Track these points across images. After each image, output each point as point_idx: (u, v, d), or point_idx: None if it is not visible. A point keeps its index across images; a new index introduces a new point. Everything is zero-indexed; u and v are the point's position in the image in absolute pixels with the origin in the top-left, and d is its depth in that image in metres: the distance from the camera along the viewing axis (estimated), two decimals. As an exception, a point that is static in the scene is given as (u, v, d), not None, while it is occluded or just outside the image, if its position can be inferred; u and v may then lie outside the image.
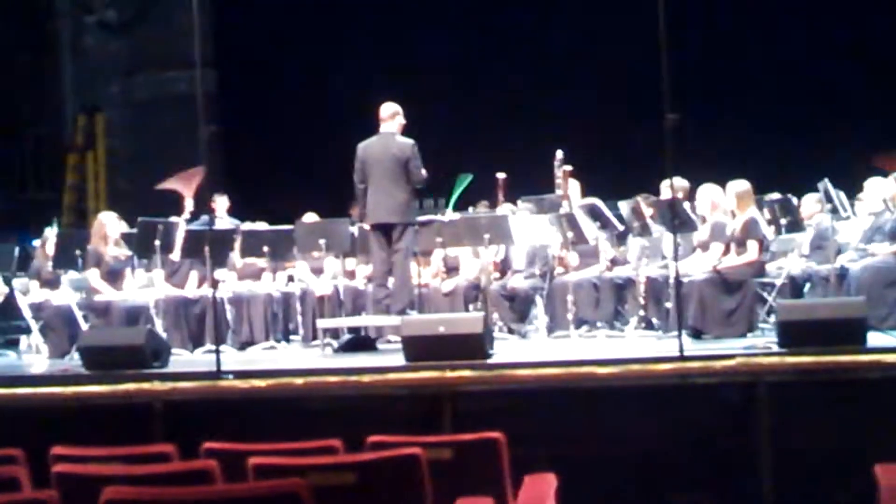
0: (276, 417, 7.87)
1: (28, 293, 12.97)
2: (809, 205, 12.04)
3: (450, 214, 12.65)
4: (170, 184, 12.66)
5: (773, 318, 9.75)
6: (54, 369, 10.76)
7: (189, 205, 12.68)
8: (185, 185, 12.46)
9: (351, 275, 12.87)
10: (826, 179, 11.67)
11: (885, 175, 11.60)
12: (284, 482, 4.12)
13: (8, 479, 4.96)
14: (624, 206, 11.86)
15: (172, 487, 4.43)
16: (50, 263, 12.76)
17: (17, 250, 13.88)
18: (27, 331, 12.90)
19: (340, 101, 15.56)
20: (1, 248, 14.20)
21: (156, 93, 19.62)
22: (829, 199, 11.62)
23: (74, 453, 5.49)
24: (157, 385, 8.47)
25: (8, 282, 13.64)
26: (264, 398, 8.10)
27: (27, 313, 12.70)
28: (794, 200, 12.30)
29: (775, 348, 8.33)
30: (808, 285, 11.42)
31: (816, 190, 11.89)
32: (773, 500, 7.20)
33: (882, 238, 10.89)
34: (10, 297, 13.38)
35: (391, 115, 11.12)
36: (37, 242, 13.68)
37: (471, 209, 13.09)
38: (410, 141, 11.01)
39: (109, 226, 12.17)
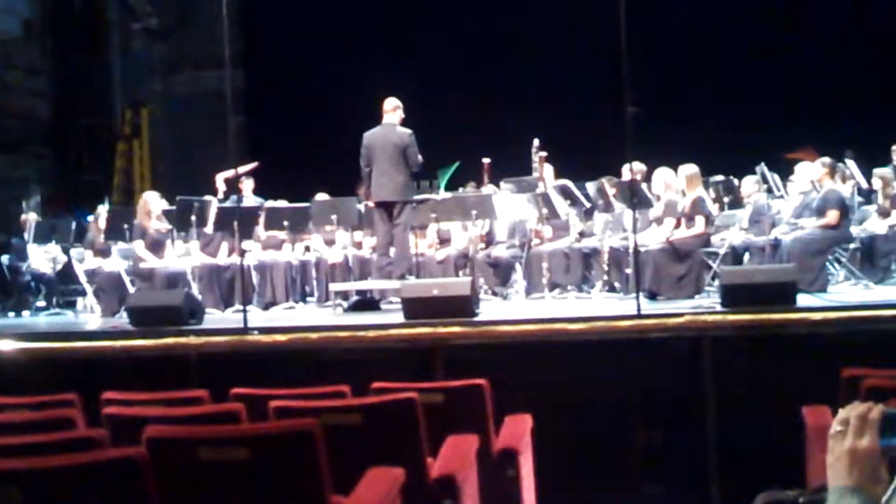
0: (295, 367, 7.85)
1: (83, 261, 12.97)
2: (748, 185, 12.04)
3: (442, 194, 12.64)
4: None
5: (717, 282, 9.74)
6: (106, 326, 10.77)
7: (221, 186, 12.68)
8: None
9: (358, 245, 12.85)
10: (763, 164, 11.65)
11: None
12: (300, 422, 4.11)
13: (65, 420, 4.95)
14: (591, 187, 11.84)
15: (205, 426, 4.42)
16: (102, 236, 12.75)
17: (73, 224, 13.86)
18: (83, 293, 12.91)
19: (347, 96, 15.51)
20: (60, 222, 14.19)
21: (192, 89, 19.60)
22: (765, 180, 11.62)
23: (122, 397, 5.48)
24: (193, 339, 8.45)
25: (66, 251, 13.65)
26: (284, 351, 8.09)
27: (83, 278, 12.71)
28: (735, 181, 12.31)
29: (719, 308, 8.33)
30: (746, 254, 11.43)
31: (754, 172, 11.88)
32: (716, 437, 7.21)
33: (810, 213, 10.89)
34: (68, 265, 13.39)
35: (393, 109, 11.11)
36: (91, 218, 13.66)
37: (460, 189, 13.07)
38: (409, 131, 10.98)
39: (152, 203, 12.16)
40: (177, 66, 20.21)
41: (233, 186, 12.17)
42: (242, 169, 12.65)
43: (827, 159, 11.26)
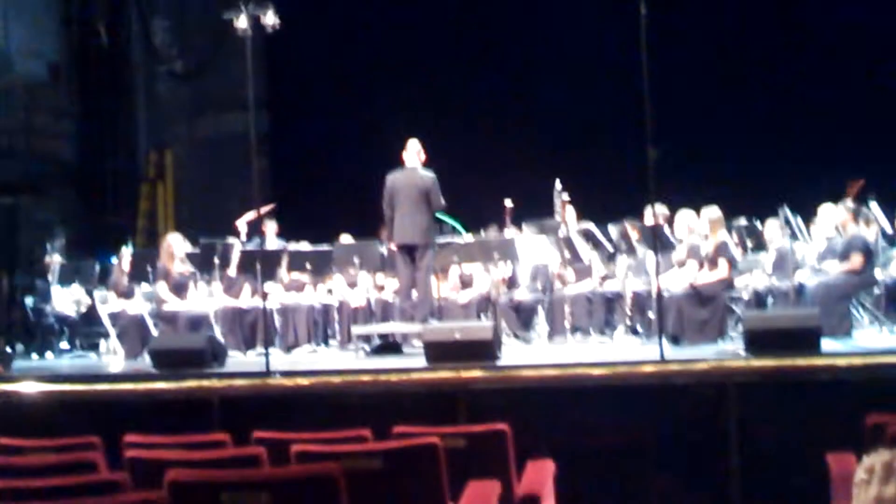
0: (317, 410, 7.85)
1: (106, 303, 13.01)
2: (771, 229, 12.00)
3: (465, 237, 12.66)
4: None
5: (740, 327, 9.70)
6: (128, 369, 10.79)
7: (244, 229, 12.74)
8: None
9: (380, 288, 12.87)
10: (785, 206, 11.64)
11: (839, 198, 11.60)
12: (322, 466, 4.11)
13: (87, 462, 4.96)
14: (613, 230, 11.84)
15: (226, 470, 4.43)
16: (125, 278, 12.79)
17: (97, 266, 13.91)
18: (106, 336, 12.93)
19: (371, 138, 15.58)
20: (83, 264, 14.23)
21: (216, 132, 19.70)
22: (787, 223, 11.59)
23: (144, 440, 5.49)
24: (216, 382, 8.48)
25: (90, 293, 13.69)
26: (306, 394, 8.10)
27: (106, 321, 12.73)
28: (758, 224, 12.28)
29: (742, 353, 8.30)
30: (770, 299, 11.38)
31: (776, 214, 11.86)
32: (740, 484, 7.17)
33: (833, 257, 10.85)
34: (92, 307, 13.42)
35: (414, 151, 11.16)
36: (114, 260, 13.70)
37: (482, 232, 13.08)
38: (433, 175, 11.03)
39: (176, 245, 12.20)
40: (201, 109, 20.35)
41: (255, 228, 12.20)
42: (263, 210, 12.71)
43: (850, 203, 11.22)
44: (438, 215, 11.46)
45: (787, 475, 6.84)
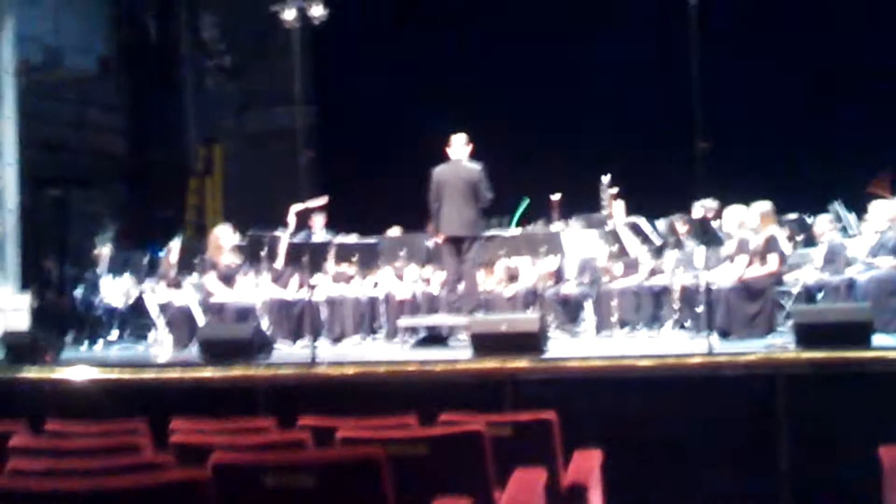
0: (362, 399, 7.83)
1: (155, 294, 13.08)
2: (822, 224, 11.85)
3: (512, 230, 12.62)
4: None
5: (789, 322, 9.58)
6: (176, 358, 10.83)
7: (292, 220, 12.77)
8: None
9: (427, 281, 12.86)
10: (838, 201, 11.49)
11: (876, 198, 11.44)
12: (366, 450, 4.07)
13: (131, 446, 4.96)
14: (661, 224, 11.74)
15: (271, 453, 4.40)
16: (174, 269, 12.86)
17: (146, 258, 13.99)
18: (154, 327, 13.00)
19: (418, 132, 15.55)
20: (133, 256, 14.33)
21: (263, 126, 19.82)
22: (839, 218, 11.44)
23: (189, 426, 5.48)
24: (262, 371, 8.49)
25: (139, 285, 13.77)
26: (351, 383, 8.08)
27: (154, 311, 12.81)
28: (809, 220, 12.15)
29: (792, 347, 8.19)
30: (820, 294, 11.24)
31: (828, 210, 11.72)
32: (790, 478, 7.08)
33: (886, 252, 10.70)
34: (140, 298, 13.50)
35: (462, 144, 11.10)
36: (163, 252, 13.78)
37: (529, 226, 13.03)
38: (479, 166, 10.97)
39: (224, 237, 12.23)
40: (249, 103, 20.49)
41: (303, 220, 12.23)
42: (313, 203, 12.75)
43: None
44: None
45: (839, 468, 6.74)
